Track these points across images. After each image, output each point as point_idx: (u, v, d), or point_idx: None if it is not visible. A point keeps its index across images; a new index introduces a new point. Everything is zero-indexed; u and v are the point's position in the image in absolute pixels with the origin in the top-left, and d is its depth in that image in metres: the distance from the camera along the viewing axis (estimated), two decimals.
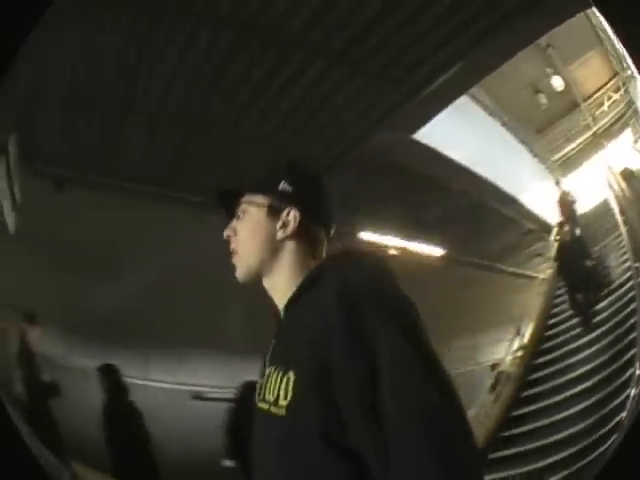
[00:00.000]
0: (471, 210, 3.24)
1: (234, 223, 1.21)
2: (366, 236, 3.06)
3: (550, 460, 3.22)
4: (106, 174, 3.25)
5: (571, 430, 3.16)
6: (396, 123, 3.07)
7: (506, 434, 3.48)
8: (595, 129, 3.70)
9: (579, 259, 3.49)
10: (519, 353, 3.51)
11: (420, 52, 2.95)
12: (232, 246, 1.21)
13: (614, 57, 3.50)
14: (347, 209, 3.27)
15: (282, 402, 0.96)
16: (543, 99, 3.78)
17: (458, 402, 0.88)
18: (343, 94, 2.98)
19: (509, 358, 3.49)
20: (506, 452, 3.41)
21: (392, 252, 2.99)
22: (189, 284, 3.11)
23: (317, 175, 1.27)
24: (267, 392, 1.01)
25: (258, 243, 1.16)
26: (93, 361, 2.97)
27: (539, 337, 3.56)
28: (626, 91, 3.55)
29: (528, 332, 3.50)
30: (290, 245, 1.15)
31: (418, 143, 3.12)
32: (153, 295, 3.06)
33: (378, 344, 0.89)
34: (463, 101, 3.19)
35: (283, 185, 1.17)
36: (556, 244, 3.53)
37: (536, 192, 3.58)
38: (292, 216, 1.16)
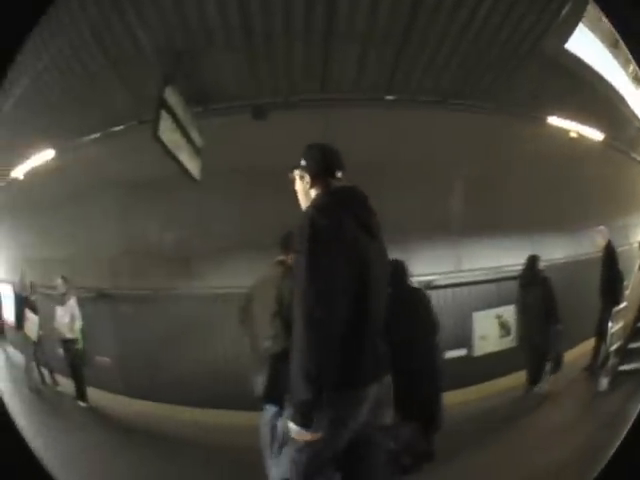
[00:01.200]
0: (605, 104, 3.80)
1: None
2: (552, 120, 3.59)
3: None
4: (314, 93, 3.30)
5: None
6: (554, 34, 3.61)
7: None
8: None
9: None
10: None
11: None
12: None
13: None
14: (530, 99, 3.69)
15: None
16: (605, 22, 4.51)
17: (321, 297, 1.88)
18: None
19: None
20: None
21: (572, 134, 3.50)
22: None
23: (320, 150, 2.23)
24: None
25: (301, 194, 2.22)
26: None
27: None
28: None
29: None
30: (312, 192, 2.17)
31: (568, 51, 3.66)
32: None
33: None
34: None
35: (302, 162, 2.20)
36: None
37: (632, 97, 4.22)
38: (307, 178, 2.17)
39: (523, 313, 3.56)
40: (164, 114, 3.39)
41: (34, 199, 4.00)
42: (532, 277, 3.47)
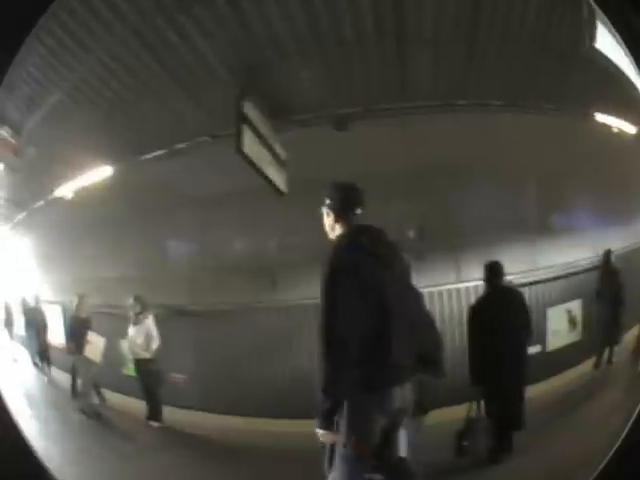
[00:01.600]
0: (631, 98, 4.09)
1: None
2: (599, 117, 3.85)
3: None
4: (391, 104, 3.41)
5: None
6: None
7: None
8: None
9: None
10: None
11: None
12: None
13: None
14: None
15: None
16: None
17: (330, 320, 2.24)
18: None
19: None
20: None
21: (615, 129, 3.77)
22: None
23: (341, 189, 2.57)
24: None
25: (328, 228, 2.55)
26: None
27: None
28: None
29: None
30: (337, 227, 2.51)
31: (597, 49, 3.93)
32: None
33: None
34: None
35: (327, 201, 2.54)
36: None
37: None
38: (332, 215, 2.52)
39: (601, 305, 3.80)
40: (245, 128, 3.42)
41: (94, 218, 3.91)
42: (609, 270, 3.75)
